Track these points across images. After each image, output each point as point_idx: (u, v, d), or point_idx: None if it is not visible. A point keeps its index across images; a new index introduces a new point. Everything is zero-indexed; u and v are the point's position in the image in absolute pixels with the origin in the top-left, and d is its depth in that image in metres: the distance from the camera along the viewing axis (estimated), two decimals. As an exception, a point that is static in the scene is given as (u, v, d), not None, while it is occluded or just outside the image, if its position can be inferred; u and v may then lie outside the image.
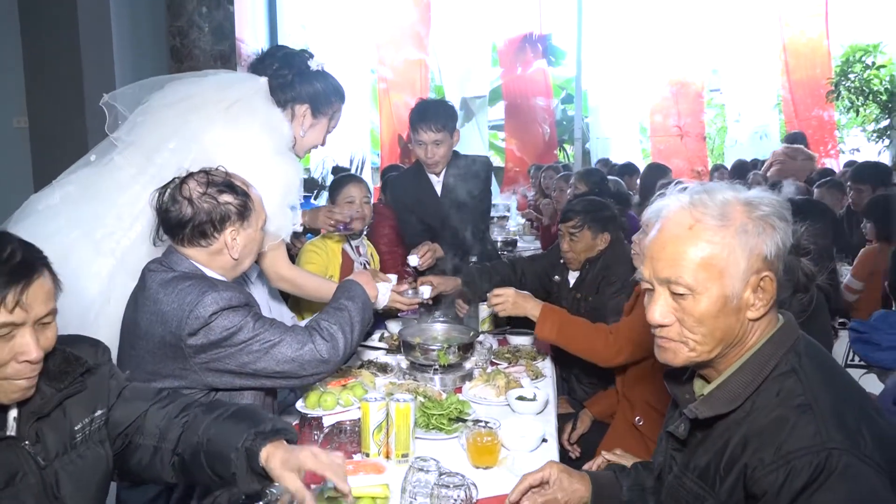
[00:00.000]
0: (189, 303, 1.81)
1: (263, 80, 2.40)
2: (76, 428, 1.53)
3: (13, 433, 1.40)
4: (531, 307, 2.60)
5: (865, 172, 5.17)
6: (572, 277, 3.12)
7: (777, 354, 1.33)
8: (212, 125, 2.24)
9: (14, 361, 1.33)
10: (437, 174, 3.44)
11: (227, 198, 1.94)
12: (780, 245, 1.32)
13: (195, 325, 1.81)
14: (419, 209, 3.48)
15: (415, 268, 3.19)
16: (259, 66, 2.44)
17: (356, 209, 3.19)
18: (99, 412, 1.59)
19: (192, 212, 1.90)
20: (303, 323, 2.50)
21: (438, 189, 3.46)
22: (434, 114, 3.27)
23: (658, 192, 1.49)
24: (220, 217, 1.93)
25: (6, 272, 1.30)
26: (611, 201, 3.16)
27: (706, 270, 1.30)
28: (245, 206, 1.98)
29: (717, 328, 1.33)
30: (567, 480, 1.65)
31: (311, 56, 2.48)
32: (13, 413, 1.42)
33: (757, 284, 1.31)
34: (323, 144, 2.62)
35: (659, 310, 1.36)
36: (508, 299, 2.62)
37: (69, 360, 1.52)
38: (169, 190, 1.95)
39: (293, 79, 2.41)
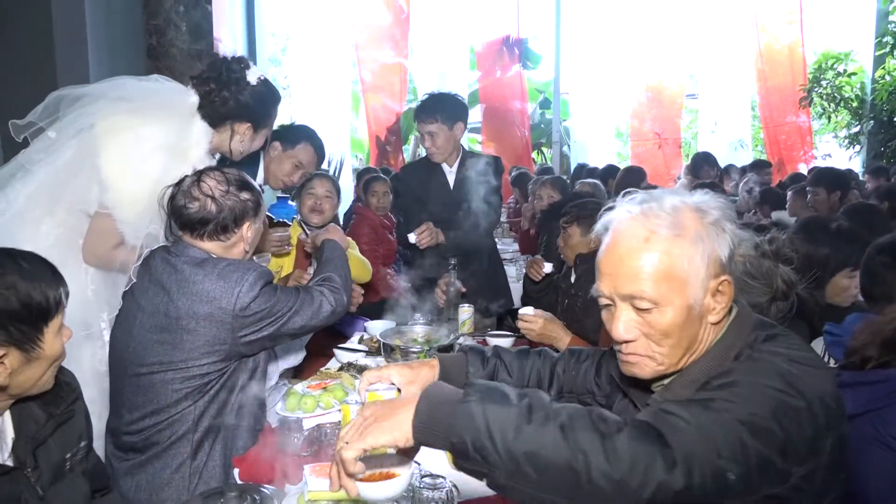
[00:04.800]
0: (236, 280, 1.98)
1: (195, 99, 2.40)
2: (66, 456, 1.51)
3: (11, 462, 1.39)
4: (560, 336, 2.54)
5: (822, 176, 5.26)
6: (573, 275, 3.16)
7: (736, 345, 1.32)
8: (113, 115, 2.27)
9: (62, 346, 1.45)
10: (450, 165, 3.54)
11: (246, 195, 2.09)
12: (732, 247, 1.33)
13: (245, 300, 1.97)
14: (430, 200, 3.54)
15: (413, 245, 3.36)
16: (198, 82, 2.44)
17: (314, 201, 3.20)
18: (83, 443, 1.58)
19: (217, 209, 2.03)
20: None
21: (451, 180, 3.54)
22: (429, 107, 3.47)
23: (608, 203, 1.47)
24: (241, 213, 2.07)
25: (60, 277, 1.44)
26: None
27: (668, 282, 1.29)
28: (258, 203, 2.13)
29: (684, 337, 1.32)
30: (410, 373, 1.58)
31: (249, 66, 2.47)
32: (9, 438, 1.41)
33: (716, 289, 1.31)
34: None
35: (623, 325, 1.34)
36: (536, 327, 2.55)
37: (60, 384, 1.51)
38: (183, 188, 2.04)
39: (231, 99, 2.41)
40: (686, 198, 1.34)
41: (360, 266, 3.31)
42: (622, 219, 1.35)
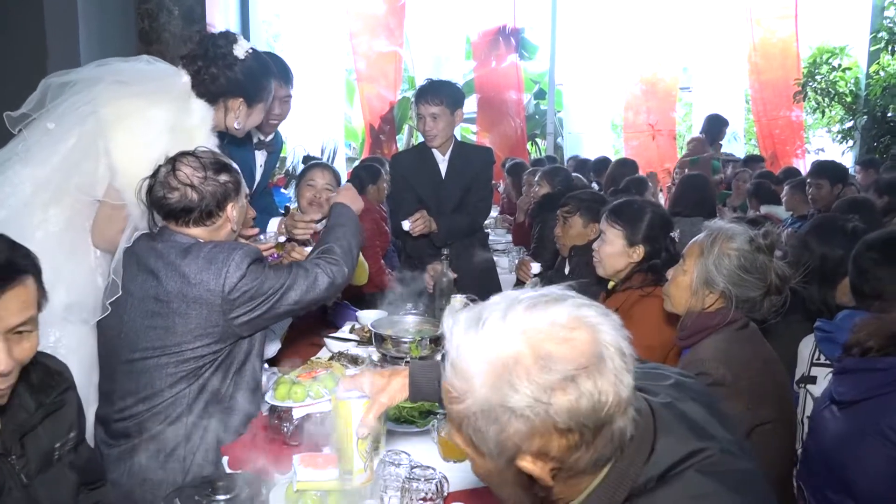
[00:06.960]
0: (223, 261, 1.96)
1: (186, 78, 2.37)
2: (55, 446, 1.49)
3: None
4: None
5: (824, 168, 5.27)
6: (567, 267, 3.17)
7: (624, 486, 1.03)
8: (117, 100, 2.24)
9: None
10: (443, 153, 3.54)
11: (224, 177, 2.06)
12: (575, 406, 0.94)
13: (233, 280, 1.96)
14: (420, 186, 3.55)
15: (407, 232, 3.37)
16: (187, 61, 2.41)
17: (314, 193, 3.17)
18: (72, 434, 1.56)
19: (199, 196, 2.01)
20: None
21: (443, 168, 3.55)
22: (434, 89, 3.47)
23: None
24: (222, 196, 2.05)
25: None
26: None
27: (459, 434, 1.06)
28: (238, 182, 2.10)
29: (508, 498, 1.07)
30: (381, 382, 1.51)
31: (236, 40, 2.44)
32: None
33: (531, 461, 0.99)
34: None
35: None
36: None
37: (51, 373, 1.50)
38: (159, 178, 2.01)
39: (220, 76, 2.39)
40: (528, 324, 1.00)
41: (358, 269, 3.29)
42: (455, 337, 1.09)
